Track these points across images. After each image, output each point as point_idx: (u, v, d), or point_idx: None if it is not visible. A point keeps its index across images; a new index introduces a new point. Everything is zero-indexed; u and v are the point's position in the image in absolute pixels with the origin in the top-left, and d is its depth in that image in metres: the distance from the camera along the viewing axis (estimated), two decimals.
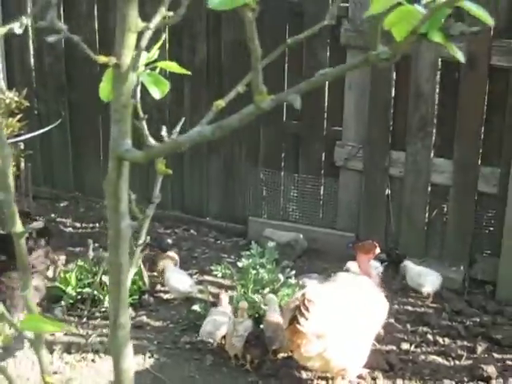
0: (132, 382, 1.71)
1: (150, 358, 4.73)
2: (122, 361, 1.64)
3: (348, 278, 4.63)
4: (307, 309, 3.97)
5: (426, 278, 5.35)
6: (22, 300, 4.86)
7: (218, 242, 6.35)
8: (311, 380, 4.48)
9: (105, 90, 1.78)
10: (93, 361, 4.70)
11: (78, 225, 6.68)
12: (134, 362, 1.71)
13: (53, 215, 6.81)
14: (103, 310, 5.18)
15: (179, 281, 5.30)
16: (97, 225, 6.66)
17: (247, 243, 6.16)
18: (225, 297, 4.90)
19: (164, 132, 1.80)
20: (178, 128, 1.83)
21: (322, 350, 4.08)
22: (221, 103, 1.32)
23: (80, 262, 5.44)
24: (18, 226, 1.71)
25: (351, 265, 5.13)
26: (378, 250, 4.81)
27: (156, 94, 1.81)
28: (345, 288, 4.44)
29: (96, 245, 5.60)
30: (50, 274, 5.43)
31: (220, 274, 5.00)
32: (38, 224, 1.32)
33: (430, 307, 5.34)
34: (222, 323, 4.67)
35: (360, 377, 4.49)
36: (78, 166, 7.06)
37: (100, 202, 6.99)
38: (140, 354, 4.73)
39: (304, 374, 4.53)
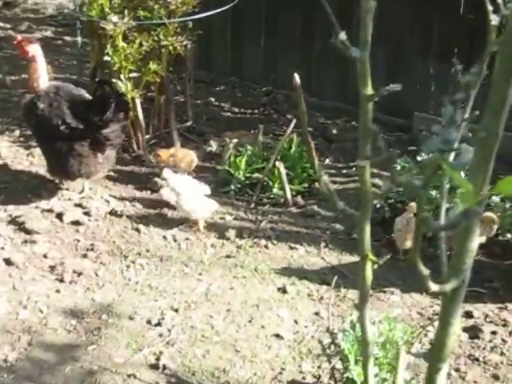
0: (471, 264, 1.62)
1: (324, 247, 4.66)
2: (472, 238, 1.55)
3: None
4: None
5: None
6: (94, 168, 4.93)
7: (381, 135, 6.13)
8: None
9: None
10: (265, 247, 4.65)
11: (236, 109, 6.62)
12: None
13: (211, 99, 6.76)
14: (272, 196, 5.13)
15: None
16: (256, 111, 6.58)
17: (411, 138, 5.98)
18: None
19: None
20: None
21: None
22: None
23: (250, 147, 5.35)
24: (369, 89, 1.60)
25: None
26: None
27: None
28: None
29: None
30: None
31: (399, 167, 4.80)
32: (397, 86, 1.23)
33: None
34: None
35: None
36: (236, 51, 6.94)
37: (257, 87, 6.88)
38: (313, 244, 4.68)
39: None
